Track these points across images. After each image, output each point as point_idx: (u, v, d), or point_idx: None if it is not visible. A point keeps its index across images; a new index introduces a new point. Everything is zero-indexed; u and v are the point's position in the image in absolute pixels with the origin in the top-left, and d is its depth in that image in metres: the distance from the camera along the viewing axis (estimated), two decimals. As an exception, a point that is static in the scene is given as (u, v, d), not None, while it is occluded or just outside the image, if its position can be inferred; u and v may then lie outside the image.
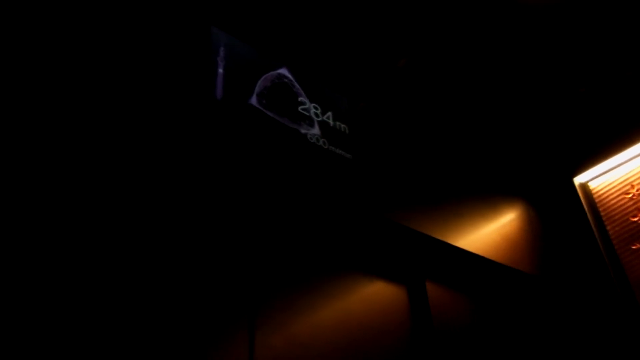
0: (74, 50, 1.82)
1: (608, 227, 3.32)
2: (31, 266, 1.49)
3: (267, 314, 1.97)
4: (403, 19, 2.82)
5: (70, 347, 1.47)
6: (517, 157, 3.68)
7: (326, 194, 2.28)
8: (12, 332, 1.39)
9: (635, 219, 3.23)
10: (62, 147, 1.66)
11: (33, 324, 1.43)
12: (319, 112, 2.51)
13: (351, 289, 2.32)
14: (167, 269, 1.78)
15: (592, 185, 3.51)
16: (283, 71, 2.48)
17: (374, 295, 2.40)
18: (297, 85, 2.50)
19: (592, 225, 3.35)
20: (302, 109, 2.44)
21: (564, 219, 3.49)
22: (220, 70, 2.21)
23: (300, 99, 2.47)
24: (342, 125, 2.58)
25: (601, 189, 3.46)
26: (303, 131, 2.37)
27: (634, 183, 3.31)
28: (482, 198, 3.14)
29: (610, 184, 3.42)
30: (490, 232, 2.97)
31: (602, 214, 3.39)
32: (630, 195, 3.30)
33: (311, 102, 2.51)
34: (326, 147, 2.42)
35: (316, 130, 2.43)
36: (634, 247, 3.20)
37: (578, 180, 3.54)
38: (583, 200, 3.46)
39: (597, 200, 3.45)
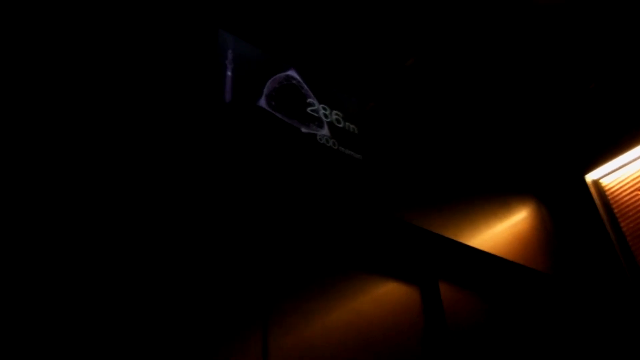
0: (84, 53, 1.83)
1: (622, 224, 3.29)
2: (53, 266, 1.49)
3: (280, 315, 1.96)
4: (410, 18, 2.81)
5: (86, 347, 1.47)
6: (528, 155, 3.66)
7: (337, 195, 2.27)
8: (28, 333, 1.39)
9: (650, 216, 3.20)
10: (75, 150, 1.66)
11: (48, 324, 1.44)
12: (327, 112, 2.50)
13: (363, 290, 2.31)
14: (182, 272, 1.78)
15: (605, 182, 3.48)
16: (291, 72, 2.48)
17: (386, 296, 2.39)
18: (305, 87, 2.49)
19: (606, 223, 3.31)
20: (311, 110, 2.44)
21: (577, 216, 3.46)
22: (229, 73, 2.21)
23: (309, 100, 2.46)
24: (351, 126, 2.57)
25: (614, 186, 3.43)
26: (312, 132, 2.37)
27: (647, 179, 3.29)
28: (493, 196, 3.12)
29: (622, 180, 3.39)
30: (502, 231, 2.95)
31: (615, 210, 3.36)
32: (643, 192, 3.28)
33: (320, 103, 2.50)
34: (336, 147, 2.42)
35: (325, 131, 2.43)
36: (648, 244, 3.17)
37: (590, 177, 3.51)
38: (595, 198, 3.43)
39: (609, 197, 3.42)
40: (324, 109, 2.50)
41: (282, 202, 2.16)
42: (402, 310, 2.41)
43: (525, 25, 2.91)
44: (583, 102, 3.47)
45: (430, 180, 2.79)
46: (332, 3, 2.67)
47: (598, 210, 3.38)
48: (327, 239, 2.33)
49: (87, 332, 1.50)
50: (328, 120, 2.48)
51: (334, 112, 2.54)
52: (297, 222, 2.25)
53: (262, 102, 2.26)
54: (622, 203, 3.34)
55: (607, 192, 3.44)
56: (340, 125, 2.52)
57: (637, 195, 3.29)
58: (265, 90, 2.30)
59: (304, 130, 2.34)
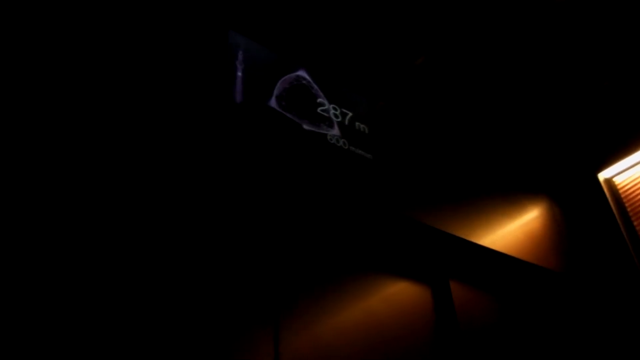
0: (96, 54, 1.84)
1: (635, 223, 3.26)
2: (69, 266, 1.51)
3: (291, 314, 1.97)
4: (420, 17, 2.80)
5: (102, 346, 1.49)
6: (541, 153, 3.63)
7: (347, 195, 2.28)
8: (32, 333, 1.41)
9: (663, 214, 3.17)
10: (85, 150, 1.68)
11: (58, 324, 1.45)
12: (338, 112, 2.51)
13: (375, 289, 2.31)
14: (195, 271, 1.79)
15: (617, 180, 3.45)
16: (301, 73, 2.48)
17: (397, 296, 2.39)
18: (315, 87, 2.50)
19: (619, 221, 3.28)
20: (322, 110, 2.44)
21: (589, 215, 3.43)
22: (239, 74, 2.22)
23: (319, 100, 2.47)
24: (362, 125, 2.57)
25: (627, 184, 3.39)
26: (323, 132, 2.37)
27: (661, 177, 3.25)
28: (505, 195, 3.11)
29: (636, 178, 3.36)
30: (514, 230, 2.94)
31: (629, 209, 3.32)
32: (657, 190, 3.25)
33: (330, 103, 2.50)
34: (346, 147, 2.42)
35: (336, 131, 2.43)
36: (662, 243, 3.14)
37: (602, 175, 3.48)
38: (608, 196, 3.40)
39: (623, 196, 3.39)
40: (334, 108, 2.51)
41: (294, 202, 2.17)
42: (413, 309, 2.40)
43: (536, 22, 2.89)
44: (596, 100, 3.44)
45: (441, 179, 2.78)
46: (342, 3, 2.67)
47: (611, 208, 3.35)
48: (338, 238, 2.33)
49: (99, 331, 1.51)
50: (338, 120, 2.48)
51: (344, 111, 2.54)
52: (309, 221, 2.25)
53: (273, 103, 2.27)
54: (636, 201, 3.31)
55: (620, 191, 3.41)
56: (351, 125, 2.52)
57: (650, 193, 3.26)
58: (276, 91, 2.31)
59: (314, 130, 2.35)
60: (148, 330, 1.60)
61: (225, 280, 1.87)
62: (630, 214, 3.30)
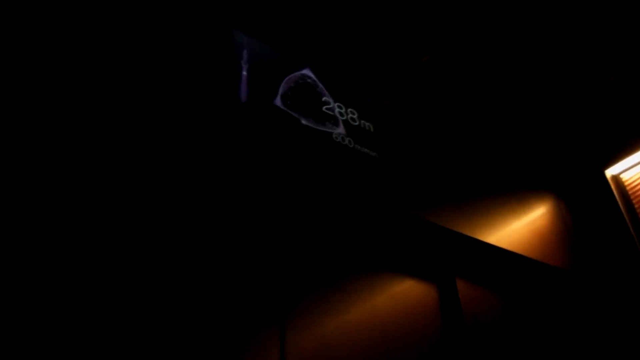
0: (100, 53, 1.85)
1: (643, 220, 3.25)
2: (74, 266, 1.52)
3: (297, 313, 1.97)
4: (425, 15, 2.79)
5: (115, 344, 1.50)
6: (546, 150, 3.61)
7: (353, 193, 2.28)
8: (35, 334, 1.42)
9: (671, 211, 3.15)
10: (89, 149, 1.69)
11: (60, 324, 1.46)
12: (343, 111, 2.51)
13: (381, 288, 2.31)
14: (202, 270, 1.80)
15: (625, 177, 3.43)
16: (306, 71, 2.48)
17: (403, 294, 2.38)
18: (320, 85, 2.50)
19: (626, 218, 3.27)
20: (327, 109, 2.44)
21: (596, 212, 3.41)
22: (244, 73, 2.22)
23: (324, 98, 2.47)
24: (367, 124, 2.57)
25: (634, 181, 3.37)
26: (328, 131, 2.37)
27: (669, 174, 3.23)
28: (511, 193, 3.10)
29: (643, 175, 3.34)
30: (520, 228, 2.93)
31: (636, 206, 3.31)
32: (665, 187, 3.23)
33: (335, 101, 2.50)
34: (351, 146, 2.42)
35: (341, 130, 2.43)
36: (670, 240, 3.12)
37: (610, 172, 3.46)
38: (615, 193, 3.38)
39: (630, 193, 3.37)
40: (340, 107, 2.51)
41: (299, 200, 2.17)
42: (419, 307, 2.40)
43: (542, 19, 2.87)
44: (603, 97, 3.42)
45: (446, 177, 2.78)
46: (347, 1, 2.67)
47: (618, 205, 3.33)
48: (343, 237, 2.33)
49: (104, 328, 1.52)
50: (343, 118, 2.48)
51: (350, 110, 2.54)
52: (314, 220, 2.25)
53: (278, 102, 2.27)
54: (643, 198, 3.30)
55: (628, 187, 3.40)
56: (356, 124, 2.52)
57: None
58: (281, 90, 2.31)
59: (319, 128, 2.35)
60: (154, 329, 1.61)
61: (231, 279, 1.87)
62: (638, 210, 3.29)
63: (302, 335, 1.94)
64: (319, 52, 2.69)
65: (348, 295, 2.18)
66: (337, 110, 2.48)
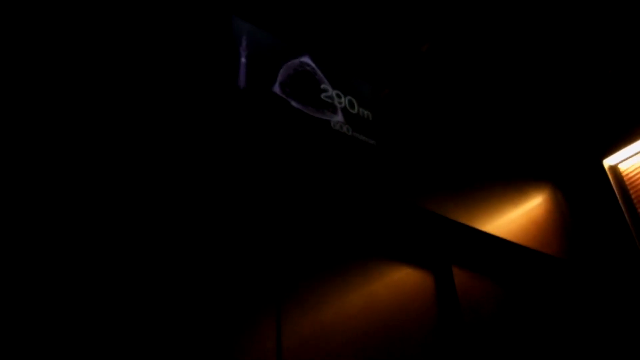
0: (98, 39, 1.85)
1: (639, 210, 3.25)
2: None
3: (294, 300, 1.98)
4: (425, 4, 2.78)
5: (101, 335, 1.51)
6: (545, 140, 3.62)
7: (351, 181, 2.28)
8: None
9: (668, 201, 3.16)
10: (87, 138, 1.69)
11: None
12: (342, 99, 2.51)
13: (377, 275, 2.33)
14: (195, 257, 1.81)
15: (622, 167, 3.44)
16: (305, 59, 2.48)
17: (400, 282, 2.40)
18: (319, 73, 2.49)
19: (623, 209, 3.28)
20: (325, 97, 2.44)
21: (594, 202, 3.43)
22: (243, 60, 2.22)
23: (323, 86, 2.47)
24: (366, 112, 2.57)
25: (632, 171, 3.38)
26: (326, 118, 2.37)
27: (666, 164, 3.24)
28: (509, 182, 3.11)
29: (641, 165, 3.35)
30: (517, 217, 2.94)
31: (633, 196, 3.32)
32: (662, 177, 3.23)
33: (334, 89, 2.50)
34: (350, 133, 2.42)
35: (339, 117, 2.43)
36: (666, 230, 3.13)
37: (608, 162, 3.47)
38: (613, 183, 3.39)
39: (627, 183, 3.38)
40: (338, 95, 2.50)
41: (297, 187, 2.17)
42: (415, 295, 2.42)
43: (541, 9, 2.86)
44: (601, 87, 3.41)
45: (444, 165, 2.78)
46: (346, -12, 2.66)
47: (616, 195, 3.34)
48: (340, 224, 2.34)
49: (103, 319, 1.53)
50: (342, 106, 2.48)
51: (348, 98, 2.54)
52: (312, 207, 2.26)
53: (276, 89, 2.27)
54: (640, 189, 3.31)
55: (625, 178, 3.40)
56: (354, 112, 2.52)
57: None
58: (280, 77, 2.31)
59: (318, 116, 2.35)
60: (150, 316, 1.62)
61: (227, 266, 1.88)
62: (635, 201, 3.30)
63: (298, 322, 1.95)
64: (318, 39, 2.68)
65: (344, 283, 2.19)
66: (335, 98, 2.48)
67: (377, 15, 2.80)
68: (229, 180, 2.02)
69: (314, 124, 2.32)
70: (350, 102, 2.53)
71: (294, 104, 2.28)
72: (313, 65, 2.49)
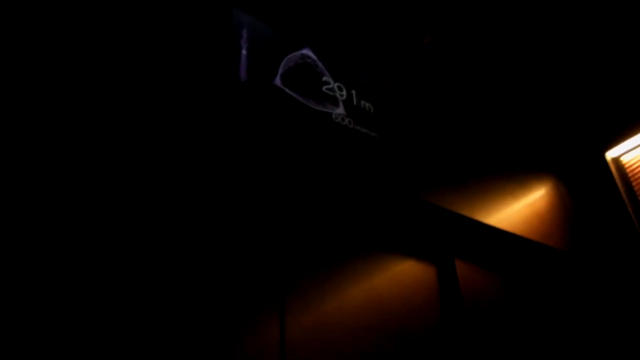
0: (99, 33, 1.84)
1: (642, 202, 3.25)
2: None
3: (297, 293, 1.98)
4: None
5: (108, 330, 1.51)
6: (547, 132, 3.61)
7: (352, 173, 2.27)
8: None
9: (671, 193, 3.15)
10: (89, 134, 1.68)
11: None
12: (343, 91, 2.49)
13: (380, 268, 2.32)
14: (201, 251, 1.80)
15: (625, 159, 3.43)
16: (306, 51, 2.47)
17: (402, 274, 2.39)
18: (320, 65, 2.48)
19: (626, 201, 3.27)
20: (327, 89, 2.43)
21: (596, 194, 3.42)
22: (244, 52, 2.21)
23: (324, 78, 2.46)
24: (367, 104, 2.56)
25: (634, 163, 3.37)
26: (328, 111, 2.36)
27: (669, 156, 3.23)
28: (511, 174, 3.10)
29: (643, 157, 3.34)
30: (520, 209, 2.93)
31: (636, 188, 3.31)
32: (665, 169, 3.22)
33: (335, 81, 2.49)
34: (351, 126, 2.41)
35: (341, 110, 2.42)
36: (669, 222, 3.12)
37: (610, 154, 3.46)
38: (615, 175, 3.38)
39: (630, 175, 3.37)
40: (340, 87, 2.49)
41: (299, 180, 2.17)
42: (418, 288, 2.41)
43: (543, 1, 2.85)
44: (604, 79, 3.40)
45: (447, 158, 2.77)
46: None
47: (618, 188, 3.34)
48: (343, 217, 2.34)
49: (105, 314, 1.53)
50: (343, 98, 2.47)
51: (350, 90, 2.53)
52: (314, 200, 2.26)
53: (278, 81, 2.26)
54: (643, 181, 3.30)
55: (628, 170, 3.39)
56: (356, 104, 2.51)
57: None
58: (281, 69, 2.30)
59: (319, 109, 2.34)
60: (154, 310, 1.62)
61: (230, 259, 1.87)
62: (637, 193, 3.29)
63: (302, 315, 1.95)
64: (320, 32, 2.67)
65: (347, 276, 2.18)
66: (337, 90, 2.47)
67: (378, 7, 2.78)
68: (231, 173, 2.01)
69: (316, 117, 2.31)
70: (351, 94, 2.52)
71: (295, 96, 2.28)
72: (314, 57, 2.48)
